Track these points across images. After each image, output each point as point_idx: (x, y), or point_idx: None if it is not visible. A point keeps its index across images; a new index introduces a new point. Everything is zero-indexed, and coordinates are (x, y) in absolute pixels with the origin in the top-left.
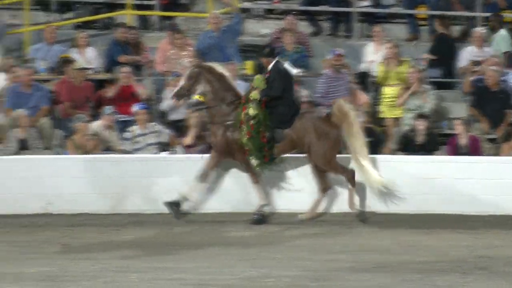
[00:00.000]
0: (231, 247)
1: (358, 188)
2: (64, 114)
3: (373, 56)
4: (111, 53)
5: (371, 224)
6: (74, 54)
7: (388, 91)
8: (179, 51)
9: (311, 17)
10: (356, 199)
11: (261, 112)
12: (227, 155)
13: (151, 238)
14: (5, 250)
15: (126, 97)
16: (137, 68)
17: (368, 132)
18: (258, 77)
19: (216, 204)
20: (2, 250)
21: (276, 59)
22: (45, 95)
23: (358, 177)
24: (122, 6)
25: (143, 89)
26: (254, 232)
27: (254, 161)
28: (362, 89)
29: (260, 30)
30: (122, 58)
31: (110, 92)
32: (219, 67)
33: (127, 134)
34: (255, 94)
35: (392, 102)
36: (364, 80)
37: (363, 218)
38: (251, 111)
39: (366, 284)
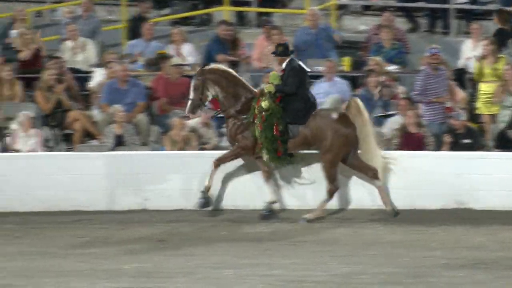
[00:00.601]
0: (324, 244)
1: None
2: (160, 110)
3: (470, 53)
4: (210, 49)
5: (466, 221)
6: (170, 50)
7: (485, 88)
8: None
9: (408, 13)
10: (386, 196)
11: (275, 106)
12: (246, 151)
13: (246, 234)
14: (101, 247)
15: None
16: (234, 64)
17: (467, 131)
18: (273, 72)
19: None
20: (98, 247)
21: (291, 57)
22: (142, 91)
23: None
24: (219, 2)
25: None
26: (346, 230)
27: (265, 155)
28: (459, 86)
29: (357, 26)
30: (220, 57)
31: None
32: (220, 66)
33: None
34: (270, 87)
35: (488, 99)
36: (461, 77)
37: (395, 214)
38: (264, 104)
39: (461, 280)
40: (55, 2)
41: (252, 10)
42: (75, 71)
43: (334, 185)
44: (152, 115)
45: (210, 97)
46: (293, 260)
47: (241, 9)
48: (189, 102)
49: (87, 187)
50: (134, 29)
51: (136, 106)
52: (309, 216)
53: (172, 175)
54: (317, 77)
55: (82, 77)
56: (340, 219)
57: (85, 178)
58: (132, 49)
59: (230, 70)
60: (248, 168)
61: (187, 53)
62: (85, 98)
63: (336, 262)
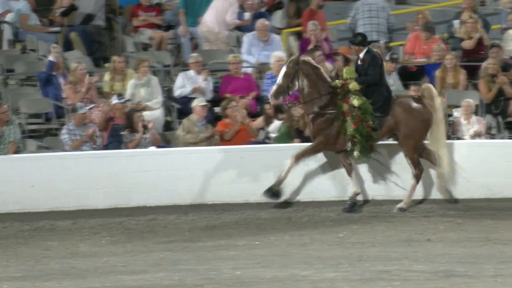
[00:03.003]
0: None
1: None
2: None
3: None
4: None
5: None
6: None
7: None
8: None
9: None
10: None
11: (365, 101)
12: (328, 146)
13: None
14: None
15: None
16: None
17: None
18: (347, 69)
19: None
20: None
21: (368, 46)
22: None
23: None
24: None
25: None
26: None
27: (356, 153)
28: None
29: None
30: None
31: None
32: (312, 60)
33: None
34: (355, 85)
35: None
36: None
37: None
38: (356, 101)
39: None
40: None
41: None
42: None
43: (419, 169)
44: None
45: (296, 87)
46: None
47: None
48: (276, 87)
49: None
50: None
51: None
52: (402, 205)
53: None
54: None
55: None
56: None
57: None
58: None
59: (319, 66)
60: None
61: None
62: None
63: None
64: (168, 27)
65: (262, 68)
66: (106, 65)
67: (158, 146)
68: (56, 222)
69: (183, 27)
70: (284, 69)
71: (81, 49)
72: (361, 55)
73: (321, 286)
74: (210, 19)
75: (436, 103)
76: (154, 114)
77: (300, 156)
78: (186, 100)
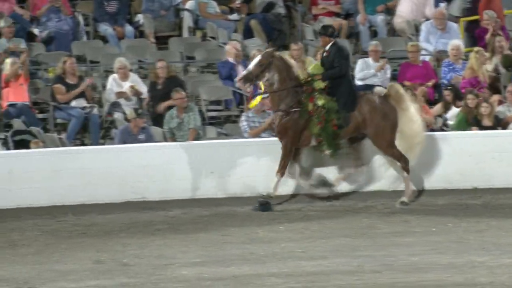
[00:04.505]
0: None
1: None
2: None
3: None
4: None
5: None
6: None
7: None
8: None
9: None
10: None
11: (331, 101)
12: (295, 144)
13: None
14: None
15: None
16: None
17: None
18: (314, 65)
19: None
20: None
21: (335, 39)
22: None
23: None
24: None
25: None
26: None
27: (327, 151)
28: None
29: None
30: None
31: None
32: (288, 58)
33: None
34: (319, 83)
35: None
36: None
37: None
38: (321, 101)
39: None
40: None
41: None
42: None
43: (403, 161)
44: None
45: (265, 78)
46: None
47: None
48: (246, 72)
49: None
50: None
51: None
52: (404, 199)
53: None
54: None
55: None
56: None
57: None
58: None
59: (293, 63)
60: None
61: None
62: None
63: None
64: (347, 15)
65: (440, 56)
66: (286, 52)
67: None
68: (234, 208)
69: (362, 15)
70: (258, 58)
71: (261, 37)
72: (327, 47)
73: (497, 272)
74: (405, 10)
75: (405, 101)
76: None
77: (281, 169)
78: (365, 87)
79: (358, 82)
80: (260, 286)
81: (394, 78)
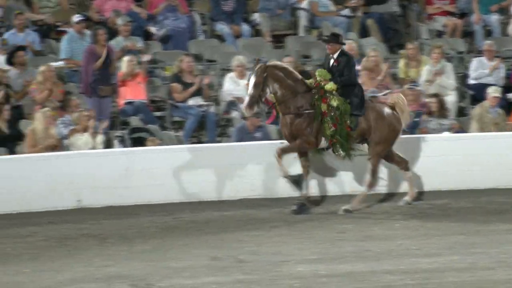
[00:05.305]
0: None
1: None
2: None
3: None
4: None
5: None
6: None
7: None
8: None
9: None
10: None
11: (343, 102)
12: (310, 146)
13: None
14: None
15: None
16: None
17: None
18: (320, 70)
19: None
20: None
21: (343, 47)
22: None
23: None
24: None
25: None
26: None
27: (341, 152)
28: None
29: None
30: None
31: None
32: (280, 62)
33: None
34: (331, 85)
35: None
36: None
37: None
38: (334, 102)
39: None
40: None
41: None
42: None
43: (375, 179)
44: None
45: (268, 94)
46: None
47: None
48: (248, 98)
49: None
50: None
51: None
52: (349, 207)
53: None
54: None
55: None
56: None
57: None
58: None
59: (288, 66)
60: None
61: None
62: None
63: None
64: (462, 14)
65: None
66: (401, 51)
67: (455, 132)
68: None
69: (476, 15)
70: (253, 79)
71: (377, 36)
72: (335, 55)
73: None
74: None
75: (405, 113)
76: (448, 99)
77: (283, 152)
78: (479, 86)
79: (472, 81)
80: (376, 283)
81: (507, 77)
